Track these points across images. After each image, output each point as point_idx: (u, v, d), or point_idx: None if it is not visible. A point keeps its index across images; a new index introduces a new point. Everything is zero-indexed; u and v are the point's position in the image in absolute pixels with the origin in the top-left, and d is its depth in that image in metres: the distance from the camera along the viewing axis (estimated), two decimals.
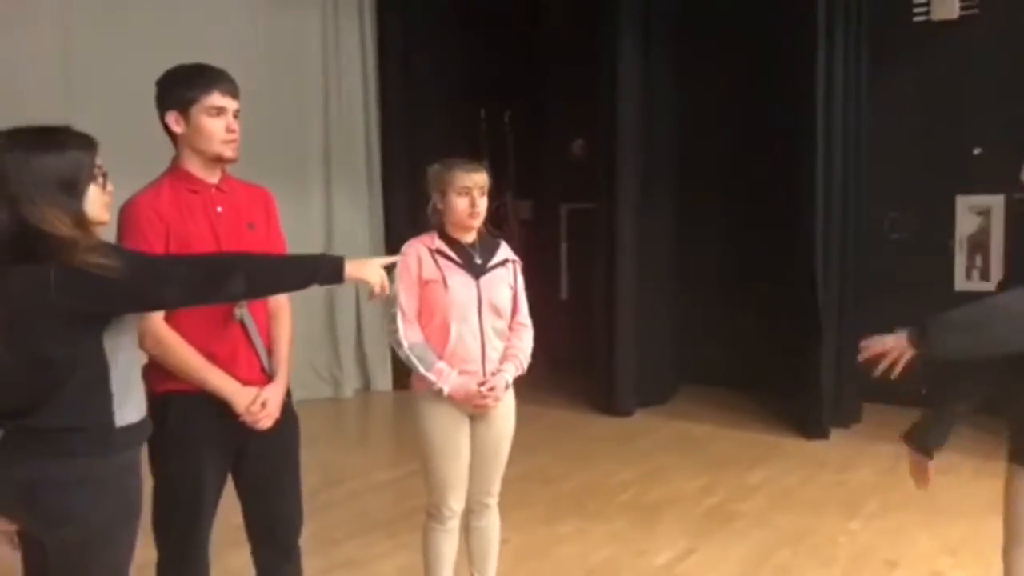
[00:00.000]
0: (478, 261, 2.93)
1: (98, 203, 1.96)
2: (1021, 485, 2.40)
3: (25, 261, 1.85)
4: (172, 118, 2.34)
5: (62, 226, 1.85)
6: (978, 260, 6.08)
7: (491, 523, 3.09)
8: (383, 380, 7.43)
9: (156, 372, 2.30)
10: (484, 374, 2.87)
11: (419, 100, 7.45)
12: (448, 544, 2.99)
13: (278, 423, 2.44)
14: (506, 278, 2.98)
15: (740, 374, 6.86)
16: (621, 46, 6.28)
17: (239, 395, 2.35)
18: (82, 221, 1.90)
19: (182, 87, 2.33)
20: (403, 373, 7.32)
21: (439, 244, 2.91)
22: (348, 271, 2.11)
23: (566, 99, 7.98)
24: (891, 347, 2.13)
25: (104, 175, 1.97)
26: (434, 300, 2.83)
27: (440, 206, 2.93)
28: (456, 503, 2.94)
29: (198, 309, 2.28)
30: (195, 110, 2.32)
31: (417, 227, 8.49)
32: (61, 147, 1.91)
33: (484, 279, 2.91)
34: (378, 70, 7.42)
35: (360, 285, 2.23)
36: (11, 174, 1.85)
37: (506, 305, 2.96)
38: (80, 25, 5.69)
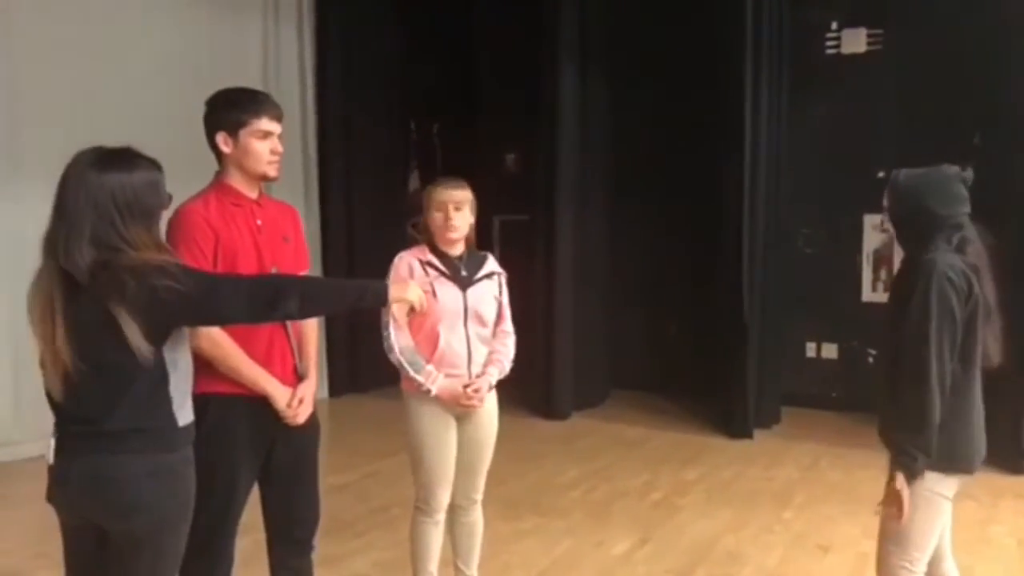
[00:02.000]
0: (464, 273, 3.16)
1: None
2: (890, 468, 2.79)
3: (99, 276, 1.95)
4: (221, 138, 2.52)
5: (143, 246, 1.98)
6: (882, 273, 6.65)
7: (476, 519, 3.31)
8: (319, 389, 7.48)
9: (197, 373, 2.40)
10: (470, 377, 3.09)
11: (355, 109, 7.60)
12: (435, 536, 3.19)
13: (305, 422, 2.62)
14: (492, 289, 3.22)
15: (667, 379, 7.26)
16: (561, 65, 6.60)
17: (281, 394, 2.54)
18: (159, 242, 2.05)
19: (233, 110, 2.50)
20: (339, 382, 7.53)
21: (429, 256, 3.13)
22: (392, 294, 2.31)
23: (496, 113, 8.23)
24: (902, 498, 2.46)
25: (169, 197, 2.12)
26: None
27: (428, 221, 3.16)
28: (444, 497, 3.15)
29: None
30: (244, 133, 2.50)
31: (353, 231, 8.50)
32: (137, 169, 2.03)
33: (471, 290, 3.14)
34: (315, 78, 7.51)
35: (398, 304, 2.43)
36: (94, 193, 1.96)
37: (490, 314, 3.20)
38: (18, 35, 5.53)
